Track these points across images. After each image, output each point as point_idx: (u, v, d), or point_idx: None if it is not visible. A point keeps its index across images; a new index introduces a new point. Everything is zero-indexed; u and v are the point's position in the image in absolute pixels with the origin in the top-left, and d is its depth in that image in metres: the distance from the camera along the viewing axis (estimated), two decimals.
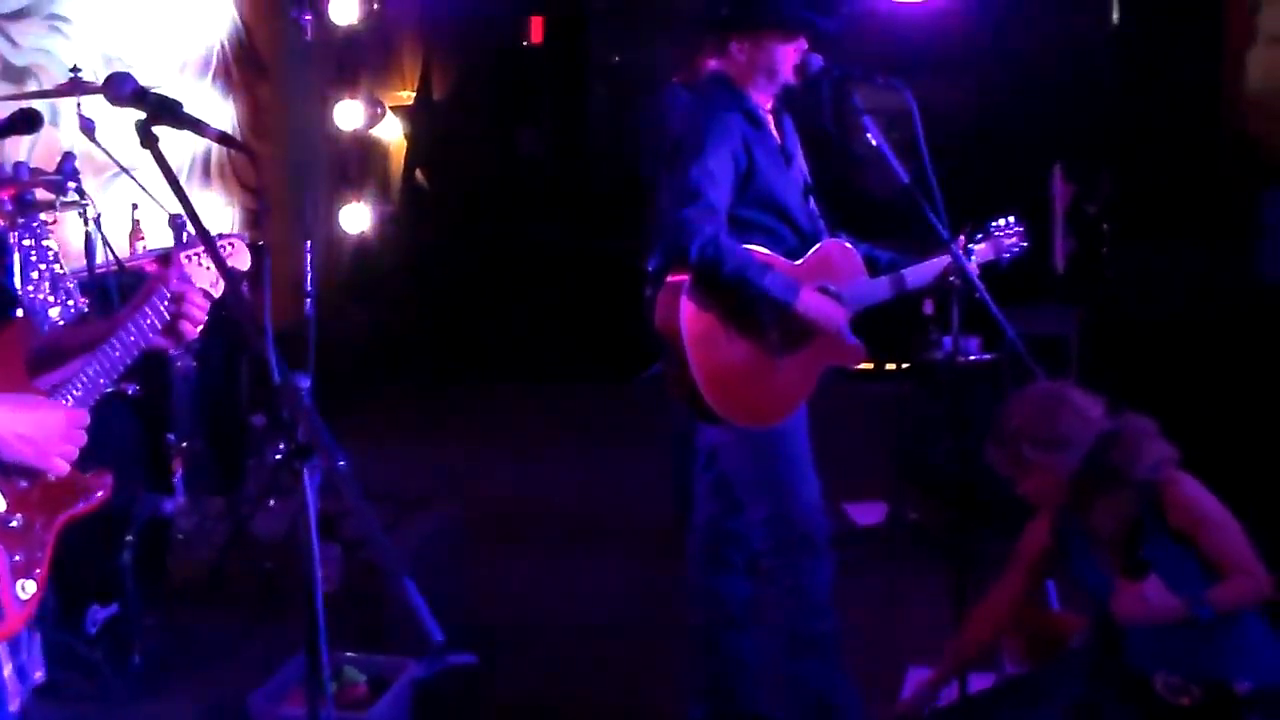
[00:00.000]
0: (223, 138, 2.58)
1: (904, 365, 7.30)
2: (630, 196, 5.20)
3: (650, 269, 3.98)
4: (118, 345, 2.73)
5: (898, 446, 6.39)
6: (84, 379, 2.68)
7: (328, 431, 2.30)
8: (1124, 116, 10.18)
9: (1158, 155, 10.37)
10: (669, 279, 3.86)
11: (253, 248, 6.19)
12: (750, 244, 3.90)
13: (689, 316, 3.82)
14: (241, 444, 6.01)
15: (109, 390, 4.36)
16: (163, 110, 2.51)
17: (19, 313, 4.42)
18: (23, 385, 2.65)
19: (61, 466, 2.57)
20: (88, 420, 2.61)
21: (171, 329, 2.80)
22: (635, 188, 5.29)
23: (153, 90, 2.57)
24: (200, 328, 2.83)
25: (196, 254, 2.88)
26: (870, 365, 5.98)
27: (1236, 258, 8.61)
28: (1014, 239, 4.38)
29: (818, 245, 4.08)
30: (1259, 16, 10.85)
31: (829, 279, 4.03)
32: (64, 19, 6.41)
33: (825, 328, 3.95)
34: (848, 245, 4.15)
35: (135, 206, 5.93)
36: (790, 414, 4.03)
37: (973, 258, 4.23)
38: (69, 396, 2.65)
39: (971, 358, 5.85)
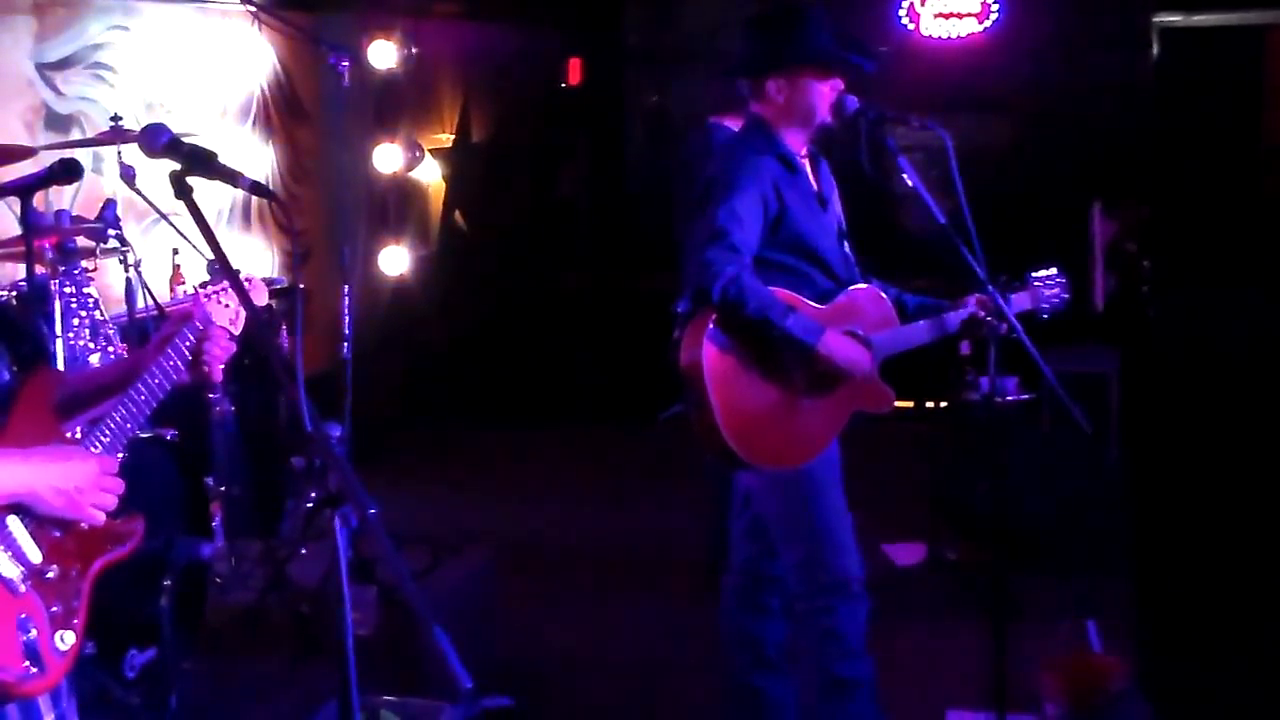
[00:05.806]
0: (255, 187, 2.60)
1: (942, 404, 7.25)
2: (668, 236, 5.21)
3: (679, 310, 3.96)
4: (143, 389, 2.75)
5: (935, 487, 6.34)
6: (112, 424, 2.69)
7: (359, 479, 2.32)
8: (1165, 154, 10.14)
9: (1198, 192, 10.33)
10: (694, 320, 3.85)
11: (290, 292, 6.25)
12: (779, 287, 3.89)
13: (711, 357, 3.79)
14: (280, 486, 6.02)
15: (146, 435, 4.45)
16: (196, 161, 2.54)
17: (60, 361, 4.49)
18: (52, 434, 2.66)
19: (97, 516, 2.56)
20: (117, 467, 2.62)
21: (196, 367, 2.84)
22: (673, 228, 5.30)
23: (187, 141, 2.60)
24: (223, 365, 2.87)
25: (216, 292, 2.92)
26: (910, 404, 5.94)
27: (1277, 295, 8.56)
28: (1055, 290, 4.30)
29: (847, 290, 4.05)
30: None
31: (856, 323, 4.00)
32: (108, 67, 6.49)
33: (848, 371, 3.90)
34: (879, 292, 4.12)
35: (176, 251, 5.98)
36: (813, 457, 3.98)
37: (1009, 305, 4.14)
38: (98, 443, 2.66)
39: (1009, 398, 5.78)
